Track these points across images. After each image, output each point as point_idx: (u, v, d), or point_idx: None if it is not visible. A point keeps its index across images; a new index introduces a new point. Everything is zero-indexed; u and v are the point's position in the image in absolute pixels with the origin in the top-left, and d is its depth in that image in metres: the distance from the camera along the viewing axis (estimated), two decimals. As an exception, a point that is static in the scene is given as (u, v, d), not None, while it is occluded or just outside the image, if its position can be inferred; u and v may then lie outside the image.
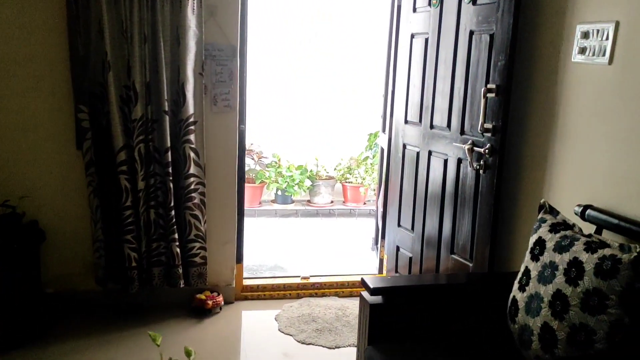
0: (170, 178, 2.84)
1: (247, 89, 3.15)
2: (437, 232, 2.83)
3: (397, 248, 3.26)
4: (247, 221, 5.33)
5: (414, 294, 1.99)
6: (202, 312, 2.98)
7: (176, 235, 2.89)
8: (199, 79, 2.86)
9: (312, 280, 3.43)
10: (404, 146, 3.15)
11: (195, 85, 2.85)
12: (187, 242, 2.98)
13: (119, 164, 2.73)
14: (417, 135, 3.00)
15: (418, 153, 2.99)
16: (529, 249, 1.87)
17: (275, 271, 3.87)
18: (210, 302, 2.96)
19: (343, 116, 5.80)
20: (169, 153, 2.82)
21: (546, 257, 1.76)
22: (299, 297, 3.33)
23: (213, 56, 2.93)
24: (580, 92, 2.07)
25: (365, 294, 1.98)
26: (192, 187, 2.93)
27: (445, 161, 2.75)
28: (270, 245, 4.50)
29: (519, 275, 1.87)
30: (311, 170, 5.48)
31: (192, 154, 2.90)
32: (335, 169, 5.64)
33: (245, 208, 5.47)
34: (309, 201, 5.57)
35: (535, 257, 1.81)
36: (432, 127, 2.87)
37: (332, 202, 5.58)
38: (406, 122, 3.13)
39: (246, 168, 5.11)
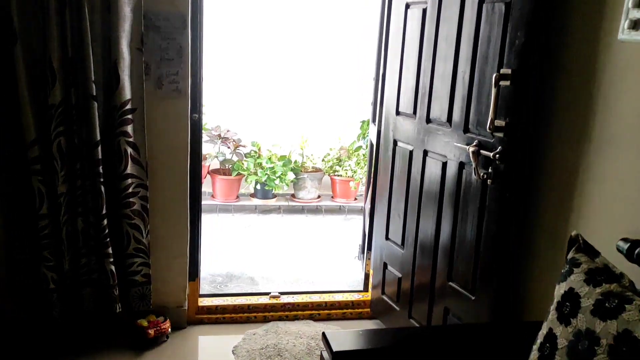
0: (102, 179, 2.32)
1: (204, 68, 2.61)
2: (432, 252, 2.32)
3: (385, 265, 2.75)
4: (222, 218, 4.88)
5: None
6: (143, 342, 2.48)
7: (110, 250, 2.38)
8: (138, 55, 2.32)
9: (283, 299, 2.93)
10: (395, 142, 2.63)
11: (132, 63, 2.32)
12: (125, 258, 2.48)
13: (31, 162, 2.21)
14: (410, 130, 2.47)
15: (411, 152, 2.47)
16: (555, 304, 1.36)
17: (243, 283, 3.37)
18: (151, 331, 2.46)
19: (333, 101, 5.25)
20: (99, 148, 2.29)
21: (581, 322, 1.25)
22: (266, 320, 2.83)
23: (157, 27, 2.39)
24: (630, 81, 1.53)
25: (326, 355, 1.47)
26: (131, 190, 2.42)
27: (444, 165, 2.23)
28: (244, 248, 4.00)
29: (540, 339, 1.36)
30: (295, 162, 4.96)
31: (129, 150, 2.37)
32: (323, 160, 5.11)
33: (220, 203, 5.03)
34: (293, 196, 5.06)
35: (564, 318, 1.30)
36: (428, 121, 2.34)
37: (319, 197, 5.06)
38: (398, 113, 2.60)
39: (221, 158, 4.59)
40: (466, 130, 2.09)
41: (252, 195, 4.91)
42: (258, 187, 4.77)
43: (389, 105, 2.71)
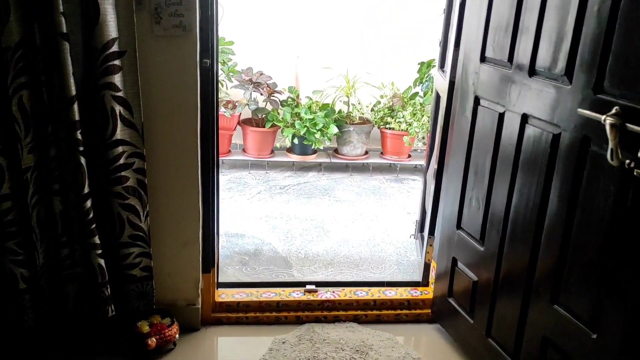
0: (81, 148, 1.78)
1: (218, -4, 1.97)
2: (528, 259, 1.70)
3: (454, 261, 2.15)
4: (254, 177, 4.33)
5: None
6: (142, 354, 2.01)
7: (96, 239, 1.87)
8: (123, -24, 1.72)
9: (321, 294, 2.39)
10: (477, 100, 1.96)
11: (116, -12, 1.72)
12: (118, 247, 1.97)
13: (-18, 126, 1.68)
14: (501, 84, 1.80)
15: (502, 116, 1.81)
16: None
17: (273, 264, 2.85)
18: (152, 341, 1.98)
19: (385, 39, 4.50)
20: (75, 106, 1.74)
21: None
22: (299, 321, 2.32)
23: (149, -64, 1.76)
24: None
25: None
26: (122, 161, 1.88)
27: (556, 138, 1.57)
28: (276, 215, 3.46)
29: None
30: (340, 111, 4.31)
31: (118, 108, 1.81)
32: (372, 110, 4.44)
33: (252, 159, 4.46)
34: (336, 151, 4.45)
35: None
36: (532, 72, 1.66)
37: (366, 153, 4.44)
38: (483, 59, 1.91)
39: (253, 107, 4.01)
40: (599, 89, 1.40)
41: (289, 151, 4.33)
42: (296, 141, 4.17)
43: (468, 49, 2.02)
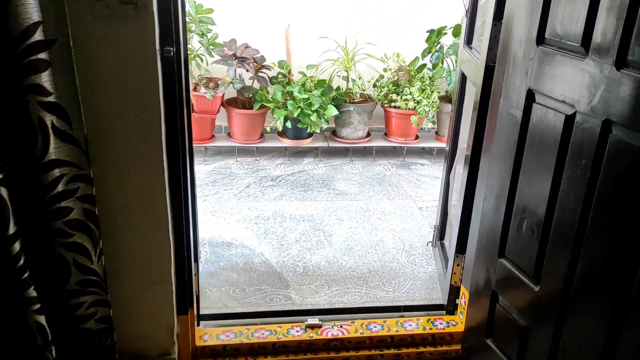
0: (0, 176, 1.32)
1: (183, -41, 1.48)
2: (608, 317, 1.28)
3: (494, 296, 1.74)
4: (242, 165, 3.84)
5: None
6: None
7: (32, 291, 1.43)
8: None
9: (327, 330, 1.98)
10: (531, 95, 1.50)
11: (33, -50, 1.23)
12: (65, 297, 1.54)
13: None
14: (571, 76, 1.34)
15: (570, 118, 1.36)
16: None
17: (267, 284, 2.43)
18: (115, 415, 1.57)
19: (389, 3, 3.98)
20: (-14, 120, 1.27)
21: None
22: (300, 366, 1.92)
23: None
24: None
25: None
26: (61, 187, 1.42)
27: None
28: (267, 217, 3.03)
29: None
30: (338, 88, 3.83)
31: (49, 118, 1.35)
32: (374, 86, 3.96)
33: (239, 145, 3.98)
34: (334, 133, 3.99)
35: None
36: (622, 63, 1.20)
37: (368, 135, 3.98)
38: (541, 41, 1.45)
39: (238, 85, 3.53)
40: None
41: (281, 134, 3.86)
42: (288, 124, 3.70)
43: (518, 24, 1.55)
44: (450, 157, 2.42)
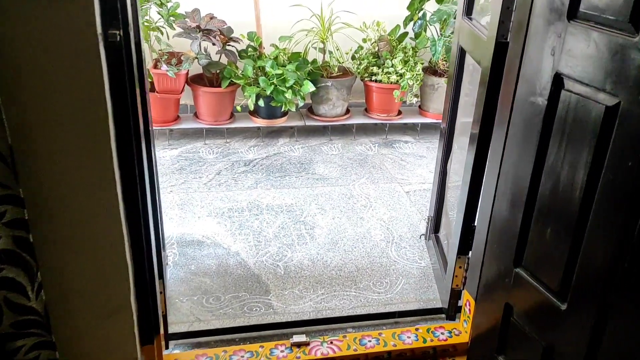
0: None
1: None
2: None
3: (508, 309, 1.52)
4: (210, 148, 3.49)
5: None
6: None
7: (-47, 341, 1.15)
8: None
9: (315, 348, 1.76)
10: (559, 80, 1.26)
11: None
12: (-3, 341, 1.26)
13: None
14: (612, 59, 1.10)
15: (612, 110, 1.13)
16: None
17: (245, 290, 2.18)
18: None
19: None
20: None
21: None
22: (287, 392, 1.69)
23: None
24: None
25: None
26: (-19, 212, 1.13)
27: None
28: (241, 209, 2.76)
29: None
30: (314, 62, 3.53)
31: (-44, 128, 1.04)
32: (353, 58, 3.67)
33: (207, 126, 3.63)
34: (311, 110, 3.71)
35: None
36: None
37: (347, 112, 3.71)
38: (574, 14, 1.20)
39: (204, 61, 3.22)
40: None
41: (253, 114, 3.57)
42: (261, 102, 3.40)
43: (540, -6, 1.29)
44: (447, 141, 2.18)
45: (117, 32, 1.18)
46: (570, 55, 1.21)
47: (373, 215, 2.75)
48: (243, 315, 2.04)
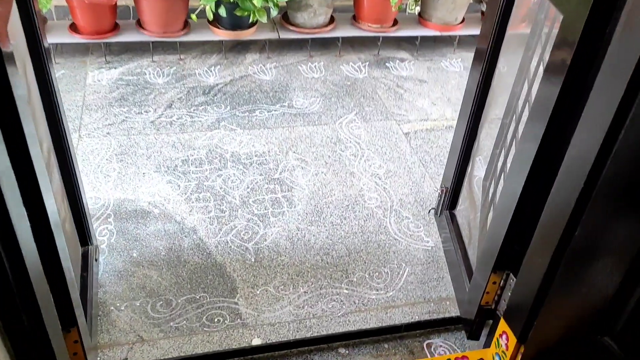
0: None
1: None
2: None
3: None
4: (159, 68, 2.68)
5: None
6: None
7: None
8: None
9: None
10: None
11: None
12: None
13: None
14: None
15: None
16: None
17: (202, 289, 1.70)
18: None
19: None
20: None
21: None
22: None
23: None
24: None
25: None
26: None
27: None
28: (199, 161, 2.21)
29: None
30: (291, -44, 2.79)
31: None
32: (340, -49, 2.93)
33: (154, 39, 2.88)
34: (286, 18, 3.02)
35: None
36: None
37: (332, 22, 3.04)
38: None
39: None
40: None
41: (213, 24, 2.87)
42: (222, 11, 2.70)
43: None
44: (489, 62, 1.56)
45: None
46: None
47: (366, 169, 2.23)
48: (202, 329, 1.57)
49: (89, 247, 1.59)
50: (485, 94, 1.62)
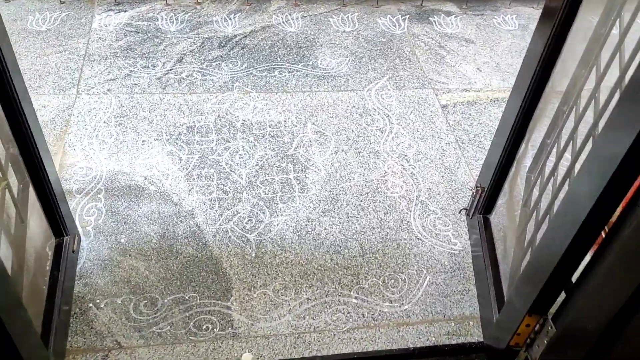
0: None
1: None
2: None
3: None
4: (173, 14, 2.55)
5: None
6: None
7: None
8: None
9: None
10: None
11: None
12: None
13: None
14: None
15: None
16: None
17: (192, 288, 1.52)
18: None
19: None
20: None
21: None
22: None
23: None
24: None
25: None
26: None
27: None
28: (206, 129, 2.00)
29: None
30: None
31: None
32: None
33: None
34: (318, -41, 2.69)
35: None
36: None
37: (370, -36, 2.69)
38: None
39: None
40: None
41: (235, -37, 2.57)
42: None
43: None
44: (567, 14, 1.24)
45: None
46: None
47: (392, 149, 1.98)
48: (187, 338, 1.41)
49: (65, 238, 1.41)
50: (552, 63, 1.28)
